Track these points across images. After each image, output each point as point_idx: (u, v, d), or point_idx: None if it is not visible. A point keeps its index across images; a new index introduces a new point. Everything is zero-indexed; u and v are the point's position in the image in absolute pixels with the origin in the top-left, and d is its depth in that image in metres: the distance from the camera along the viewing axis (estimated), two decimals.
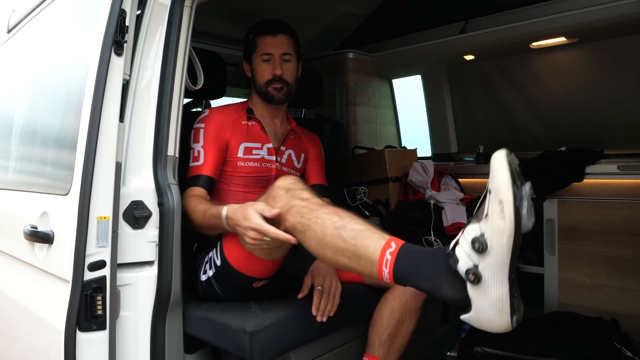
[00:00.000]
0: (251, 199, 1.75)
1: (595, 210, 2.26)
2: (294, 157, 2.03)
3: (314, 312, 1.54)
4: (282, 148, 1.98)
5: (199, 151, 1.79)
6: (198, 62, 1.71)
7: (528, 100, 2.87)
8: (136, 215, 1.44)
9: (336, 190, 2.50)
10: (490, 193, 1.03)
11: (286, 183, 1.41)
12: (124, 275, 1.42)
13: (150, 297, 1.45)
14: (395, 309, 1.68)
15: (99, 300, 1.33)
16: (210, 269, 1.62)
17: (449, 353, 2.32)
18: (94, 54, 1.36)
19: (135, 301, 1.43)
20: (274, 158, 1.93)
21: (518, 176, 1.03)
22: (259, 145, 1.91)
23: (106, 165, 1.35)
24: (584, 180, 2.27)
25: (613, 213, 2.22)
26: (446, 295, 1.09)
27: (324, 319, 1.55)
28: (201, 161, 1.78)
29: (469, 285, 1.04)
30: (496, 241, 1.00)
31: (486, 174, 2.60)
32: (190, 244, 1.86)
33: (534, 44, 2.60)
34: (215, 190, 1.85)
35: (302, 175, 2.10)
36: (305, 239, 1.32)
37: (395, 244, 1.17)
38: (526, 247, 2.61)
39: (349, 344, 1.75)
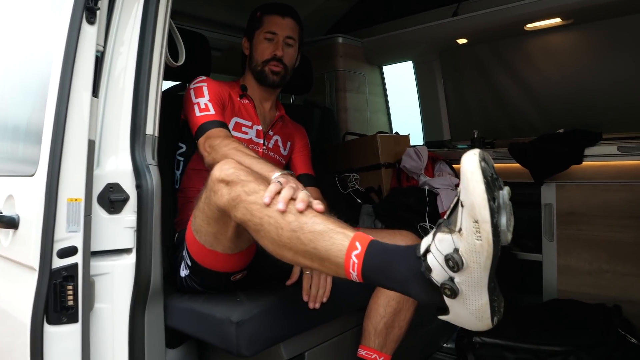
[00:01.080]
0: None
1: (595, 193, 2.19)
2: (280, 144, 1.95)
3: (305, 297, 1.44)
4: (270, 133, 1.91)
5: (206, 104, 1.67)
6: (179, 36, 1.61)
7: (523, 85, 2.80)
8: (112, 199, 1.34)
9: (327, 177, 2.40)
10: (462, 206, 0.91)
11: (225, 174, 1.21)
12: (99, 264, 1.32)
13: (128, 288, 1.34)
14: (392, 297, 1.58)
15: (70, 290, 1.22)
16: (185, 268, 1.51)
17: (445, 344, 2.23)
18: (63, 22, 1.25)
19: (112, 292, 1.33)
20: (261, 141, 1.85)
21: (494, 184, 0.91)
22: (249, 124, 1.83)
23: (77, 142, 1.24)
24: (583, 163, 2.19)
25: (613, 196, 2.15)
26: (420, 298, 1.00)
27: (317, 305, 1.45)
28: (212, 111, 1.65)
29: (445, 297, 0.95)
30: (473, 260, 0.90)
31: None
32: (171, 233, 1.76)
33: (529, 25, 2.52)
34: (188, 170, 1.77)
35: (288, 164, 2.02)
36: (259, 238, 1.17)
37: (360, 245, 1.05)
38: (523, 234, 2.53)
39: (343, 335, 1.66)
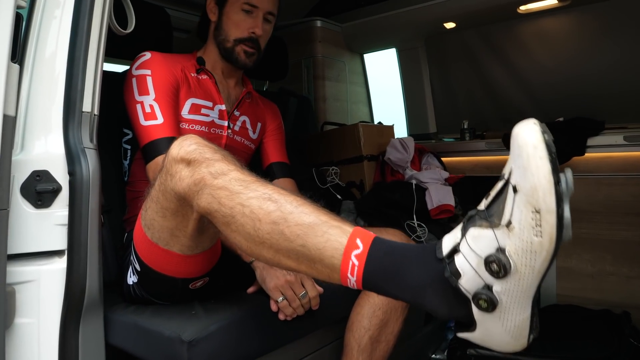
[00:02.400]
0: None
1: (598, 187, 2.00)
2: (248, 125, 1.69)
3: (273, 307, 1.21)
4: (236, 113, 1.64)
5: (151, 106, 1.37)
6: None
7: (515, 73, 2.60)
8: (39, 190, 1.12)
9: (304, 171, 2.17)
10: (516, 192, 0.71)
11: (185, 152, 0.96)
12: (20, 270, 1.10)
13: (58, 298, 1.12)
14: (378, 306, 1.36)
15: None
16: (133, 273, 1.25)
17: (434, 355, 2.02)
18: None
19: (38, 304, 1.11)
20: (225, 123, 1.59)
21: (557, 164, 0.71)
22: (209, 104, 1.54)
23: None
24: (585, 155, 2.00)
25: (617, 190, 1.97)
26: (439, 313, 0.78)
27: (289, 317, 1.22)
28: (159, 119, 1.36)
29: (475, 309, 0.74)
30: (525, 263, 0.70)
31: (471, 152, 2.33)
32: (119, 233, 1.51)
33: (522, 8, 2.33)
34: (138, 160, 1.50)
35: (258, 150, 1.77)
36: (229, 233, 0.92)
37: (362, 243, 0.83)
38: None
39: (321, 351, 1.43)
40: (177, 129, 1.39)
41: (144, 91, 1.38)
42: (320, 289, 1.28)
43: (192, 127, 1.48)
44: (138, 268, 1.21)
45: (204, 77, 1.57)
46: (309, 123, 2.51)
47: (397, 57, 2.96)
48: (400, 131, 3.05)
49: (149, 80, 1.39)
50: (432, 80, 2.88)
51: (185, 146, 0.97)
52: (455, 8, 2.43)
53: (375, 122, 3.13)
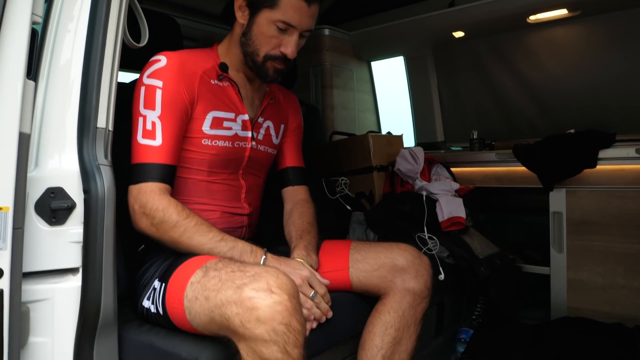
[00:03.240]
0: (216, 191, 1.43)
1: (609, 200, 1.99)
2: (272, 131, 1.57)
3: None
4: (260, 120, 1.52)
5: (153, 123, 1.28)
6: (141, 12, 1.35)
7: (524, 82, 2.59)
8: (53, 207, 1.10)
9: (313, 181, 2.15)
10: None
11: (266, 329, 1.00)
12: (35, 288, 1.08)
13: (73, 317, 1.11)
14: (390, 324, 1.35)
15: None
16: (152, 304, 1.24)
17: None
18: None
19: (52, 323, 1.09)
20: (249, 134, 1.47)
21: None
22: (231, 115, 1.43)
23: (4, 135, 0.99)
24: (597, 166, 1.99)
25: (630, 203, 1.95)
26: None
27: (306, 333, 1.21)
28: (158, 140, 1.28)
29: None
30: None
31: (481, 162, 2.32)
32: (134, 242, 1.49)
33: (532, 17, 2.33)
34: None
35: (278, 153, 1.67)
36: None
37: None
38: (527, 245, 2.33)
39: None
40: (174, 153, 1.31)
41: (150, 105, 1.30)
42: (327, 282, 1.31)
43: (215, 143, 1.39)
44: (160, 310, 1.21)
45: (226, 84, 1.43)
46: (317, 132, 2.51)
47: (404, 65, 2.96)
48: (407, 138, 3.04)
49: (158, 93, 1.30)
50: (440, 88, 2.87)
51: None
52: (464, 17, 2.42)
53: (383, 130, 3.13)
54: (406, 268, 1.39)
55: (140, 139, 1.28)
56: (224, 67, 1.42)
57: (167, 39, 1.78)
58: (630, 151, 1.93)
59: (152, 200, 1.24)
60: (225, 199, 1.45)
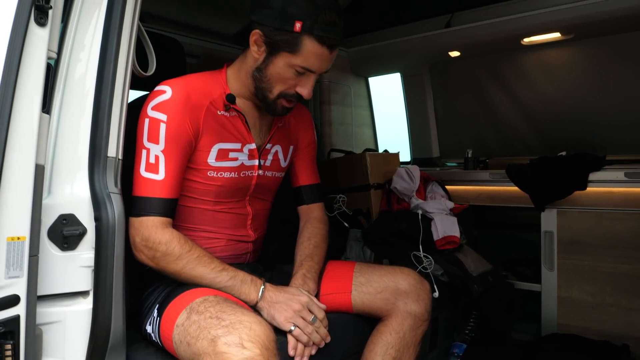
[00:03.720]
0: (222, 220, 1.46)
1: (599, 221, 2.05)
2: (280, 155, 1.55)
3: (290, 352, 1.25)
4: (268, 146, 1.50)
5: (156, 157, 1.28)
6: (149, 42, 1.40)
7: (517, 101, 2.66)
8: (66, 234, 1.14)
9: None
10: None
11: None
12: (47, 311, 1.13)
13: (84, 338, 1.15)
14: (391, 344, 1.40)
15: (9, 349, 1.01)
16: (152, 332, 1.29)
17: None
18: (4, 22, 1.03)
19: (63, 344, 1.14)
20: (256, 162, 1.47)
21: None
22: (238, 146, 1.41)
23: (21, 168, 1.03)
24: (587, 189, 2.05)
25: (618, 225, 2.01)
26: None
27: (305, 354, 1.27)
28: (161, 175, 1.28)
29: None
30: None
31: (475, 181, 2.39)
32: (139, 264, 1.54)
33: (526, 40, 2.40)
34: None
35: (287, 173, 1.67)
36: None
37: None
38: (520, 262, 2.39)
39: None
40: (177, 187, 1.32)
41: (153, 138, 1.29)
42: (324, 306, 1.36)
43: (221, 174, 1.39)
44: (158, 342, 1.26)
45: (234, 114, 1.41)
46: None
47: (401, 82, 3.02)
48: (404, 153, 3.10)
49: (162, 127, 1.28)
50: (436, 105, 2.94)
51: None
52: (460, 38, 2.49)
53: (379, 144, 3.19)
54: (408, 292, 1.44)
55: (143, 172, 1.29)
56: (231, 99, 1.39)
57: (170, 57, 1.82)
58: (619, 174, 2.00)
59: (154, 234, 1.26)
60: (231, 226, 1.48)
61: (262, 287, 1.31)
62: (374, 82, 3.18)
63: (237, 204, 1.48)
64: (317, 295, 1.44)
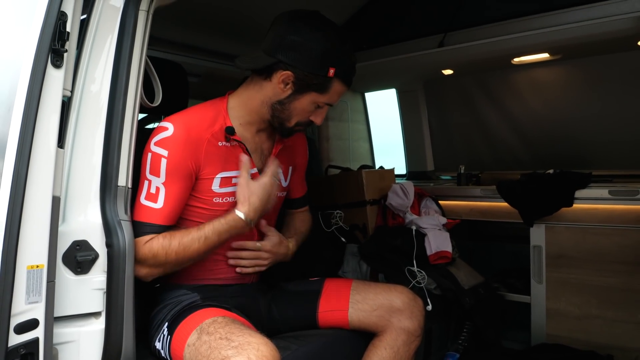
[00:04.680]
0: (228, 243, 1.52)
1: (585, 236, 2.14)
2: (281, 176, 1.64)
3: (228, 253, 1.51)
4: None
5: (157, 188, 1.37)
6: (156, 76, 1.48)
7: (508, 118, 2.76)
8: (79, 259, 1.21)
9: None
10: None
11: None
12: (62, 331, 1.19)
13: (97, 356, 1.22)
14: (386, 359, 1.48)
15: None
16: (162, 349, 1.38)
17: None
18: (25, 65, 1.11)
19: None
20: None
21: None
22: (239, 173, 1.48)
23: (40, 201, 1.11)
24: (573, 205, 2.14)
25: (603, 240, 2.10)
26: None
27: (232, 262, 1.52)
28: (160, 204, 1.37)
29: None
30: None
31: (467, 197, 2.47)
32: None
33: (516, 59, 2.48)
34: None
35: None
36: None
37: None
38: (510, 274, 2.47)
39: None
40: (174, 216, 1.40)
41: (155, 172, 1.37)
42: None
43: (226, 199, 1.47)
44: (168, 358, 1.35)
45: (234, 143, 1.48)
46: (313, 165, 2.63)
47: (397, 98, 3.11)
48: (399, 167, 3.19)
49: (163, 162, 1.36)
50: (430, 121, 3.03)
51: None
52: (453, 57, 2.57)
53: (376, 157, 3.28)
54: (402, 309, 1.54)
55: (143, 200, 1.37)
56: (230, 131, 1.47)
57: (173, 79, 1.90)
58: (604, 192, 2.09)
59: (140, 249, 1.33)
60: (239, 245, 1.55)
61: (237, 213, 1.41)
62: (372, 98, 3.28)
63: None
64: (316, 313, 1.57)
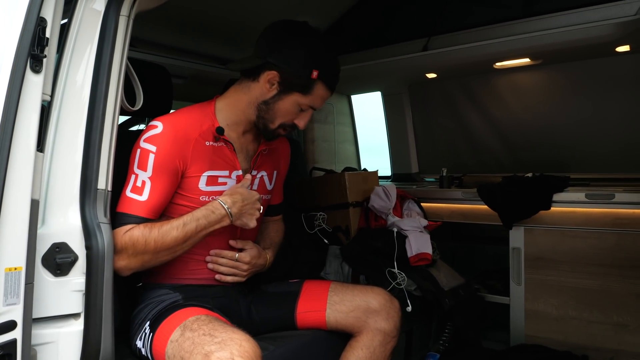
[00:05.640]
0: (211, 243, 1.55)
1: (563, 239, 2.18)
2: (266, 180, 1.70)
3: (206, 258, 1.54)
4: (254, 172, 1.64)
5: (143, 182, 1.41)
6: (137, 79, 1.49)
7: (491, 121, 2.80)
8: (58, 261, 1.23)
9: (293, 216, 2.32)
10: None
11: None
12: (41, 332, 1.21)
13: (75, 358, 1.23)
14: (362, 359, 1.51)
15: None
16: (143, 347, 1.40)
17: None
18: (3, 71, 1.12)
19: None
20: None
21: None
22: (226, 172, 1.54)
23: (18, 204, 1.12)
24: (551, 209, 2.18)
25: (580, 242, 2.14)
26: None
27: (210, 267, 1.55)
28: (144, 197, 1.40)
29: None
30: None
31: (450, 199, 2.51)
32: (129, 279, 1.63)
33: (498, 64, 2.52)
34: None
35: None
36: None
37: None
38: (490, 275, 2.51)
39: None
40: (156, 210, 1.43)
41: (142, 166, 1.41)
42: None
43: (212, 198, 1.48)
44: (149, 358, 1.37)
45: (221, 144, 1.54)
46: (298, 166, 2.66)
47: (382, 101, 3.14)
48: (384, 169, 3.22)
49: (151, 157, 1.41)
50: (414, 123, 3.06)
51: None
52: (436, 61, 2.60)
53: (362, 158, 3.31)
54: (378, 310, 1.57)
55: (128, 193, 1.41)
56: (220, 131, 1.52)
57: (157, 82, 1.91)
58: (580, 196, 2.13)
59: (119, 238, 1.34)
60: (220, 249, 1.58)
61: (219, 199, 1.45)
62: (359, 99, 3.30)
63: (227, 227, 1.51)
64: (294, 314, 1.60)
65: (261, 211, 1.55)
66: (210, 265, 1.56)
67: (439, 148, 3.03)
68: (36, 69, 1.15)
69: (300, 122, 1.57)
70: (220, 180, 1.53)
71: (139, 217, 1.39)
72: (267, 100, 1.52)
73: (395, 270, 2.04)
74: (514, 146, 2.77)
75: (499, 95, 2.71)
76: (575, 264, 2.15)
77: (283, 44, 1.48)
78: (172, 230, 1.38)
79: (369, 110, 3.37)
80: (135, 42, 2.28)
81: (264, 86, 1.51)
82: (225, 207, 1.43)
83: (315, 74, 1.46)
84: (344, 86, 3.08)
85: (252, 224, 1.50)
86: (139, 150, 1.44)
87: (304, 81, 1.48)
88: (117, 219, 1.39)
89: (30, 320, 1.15)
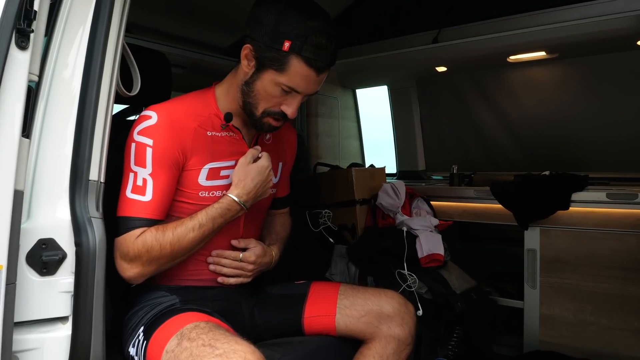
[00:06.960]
0: (213, 242, 1.43)
1: (581, 240, 2.07)
2: (271, 172, 1.50)
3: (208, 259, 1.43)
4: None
5: (144, 180, 1.29)
6: (134, 62, 1.38)
7: (502, 117, 2.69)
8: (45, 259, 1.12)
9: (296, 213, 2.20)
10: None
11: None
12: (24, 338, 1.10)
13: None
14: None
15: None
16: (137, 355, 1.28)
17: None
18: None
19: None
20: None
21: None
22: (231, 163, 1.40)
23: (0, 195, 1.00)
24: (569, 209, 2.08)
25: (599, 244, 2.04)
26: None
27: (212, 269, 1.44)
28: (148, 196, 1.28)
29: None
30: None
31: (460, 198, 2.40)
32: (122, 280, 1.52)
33: (512, 57, 2.42)
34: None
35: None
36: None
37: None
38: (502, 278, 2.41)
39: None
40: (163, 208, 1.32)
41: (140, 162, 1.29)
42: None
43: (213, 194, 1.38)
44: None
45: (225, 133, 1.41)
46: (302, 161, 2.55)
47: (388, 95, 3.03)
48: (390, 166, 3.11)
49: (149, 152, 1.29)
50: (422, 119, 2.95)
51: None
52: (447, 53, 2.50)
53: (366, 155, 3.20)
54: (392, 316, 1.45)
55: (129, 194, 1.29)
56: (229, 118, 1.39)
57: (156, 69, 1.80)
58: (601, 195, 2.03)
59: (132, 246, 1.26)
60: (222, 248, 1.46)
61: (230, 195, 1.35)
62: (363, 94, 3.20)
63: (230, 225, 1.42)
64: (301, 318, 1.49)
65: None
66: (212, 267, 1.43)
67: (447, 145, 2.92)
68: (22, 45, 1.04)
69: (288, 110, 1.34)
70: (222, 173, 1.40)
71: (147, 220, 1.28)
72: (247, 80, 1.34)
73: (406, 271, 1.93)
74: (526, 143, 2.67)
75: (512, 90, 2.61)
76: (594, 267, 2.04)
77: (257, 13, 1.29)
78: (188, 232, 1.29)
79: (371, 106, 3.27)
80: (134, 29, 2.18)
81: (243, 64, 1.34)
82: (238, 200, 1.34)
83: (287, 45, 1.23)
84: (349, 80, 2.99)
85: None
86: (133, 145, 1.31)
87: (275, 54, 1.26)
88: (121, 224, 1.29)
89: (12, 325, 1.04)
